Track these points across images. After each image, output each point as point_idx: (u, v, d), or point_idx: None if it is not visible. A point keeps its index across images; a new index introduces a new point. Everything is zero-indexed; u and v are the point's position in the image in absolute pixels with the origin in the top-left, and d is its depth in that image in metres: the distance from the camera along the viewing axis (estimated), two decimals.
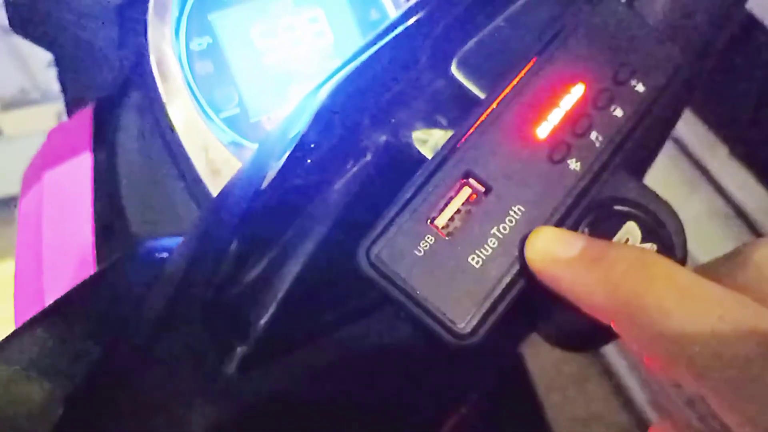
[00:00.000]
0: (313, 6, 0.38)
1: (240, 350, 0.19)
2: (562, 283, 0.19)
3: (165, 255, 0.23)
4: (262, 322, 0.19)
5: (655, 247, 0.22)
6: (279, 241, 0.21)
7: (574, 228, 0.21)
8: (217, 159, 0.35)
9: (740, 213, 0.82)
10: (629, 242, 0.22)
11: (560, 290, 0.19)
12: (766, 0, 0.71)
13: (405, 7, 0.26)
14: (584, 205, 0.21)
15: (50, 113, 1.11)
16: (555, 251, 0.19)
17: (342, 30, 0.39)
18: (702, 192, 0.90)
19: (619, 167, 0.22)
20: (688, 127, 0.91)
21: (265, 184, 0.23)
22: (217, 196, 0.25)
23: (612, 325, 0.18)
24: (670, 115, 0.24)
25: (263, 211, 0.23)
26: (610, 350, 1.04)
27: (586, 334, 0.22)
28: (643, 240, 0.22)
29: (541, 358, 0.90)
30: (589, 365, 1.01)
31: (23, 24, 0.37)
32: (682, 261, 0.22)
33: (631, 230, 0.22)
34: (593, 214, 0.22)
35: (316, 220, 0.22)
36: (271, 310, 0.20)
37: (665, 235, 0.22)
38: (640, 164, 0.25)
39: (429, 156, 0.23)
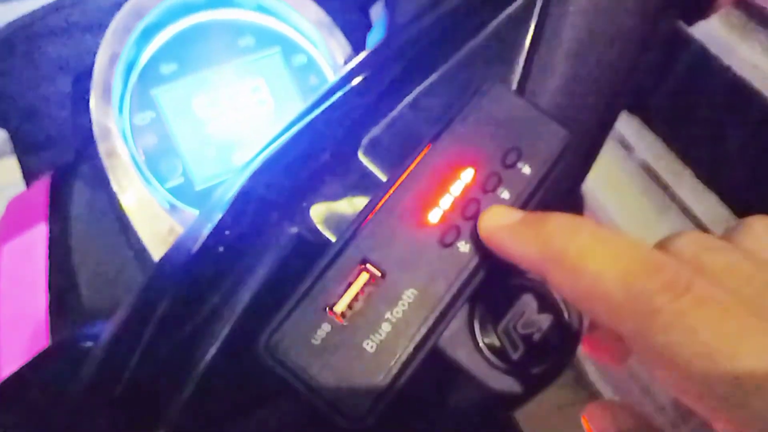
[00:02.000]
0: (254, 76, 0.40)
1: None
2: (505, 244, 0.22)
3: (90, 344, 0.24)
4: (173, 410, 0.21)
5: (551, 317, 0.23)
6: (193, 323, 0.23)
7: (473, 302, 0.23)
8: (162, 228, 0.36)
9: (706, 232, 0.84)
10: (526, 314, 0.24)
11: (503, 252, 0.22)
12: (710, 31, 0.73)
13: (318, 92, 0.27)
14: (476, 283, 0.22)
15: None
16: (500, 220, 0.22)
17: (283, 96, 0.40)
18: (671, 214, 0.91)
19: None
20: (656, 154, 0.93)
21: (187, 258, 0.24)
22: (153, 268, 0.27)
23: (545, 277, 0.20)
24: (562, 189, 0.26)
25: (188, 285, 0.24)
26: (595, 377, 1.05)
27: (488, 405, 0.24)
28: (540, 311, 0.24)
29: None
30: (574, 392, 1.01)
31: None
32: (578, 332, 0.24)
33: (527, 302, 0.24)
34: (491, 287, 0.23)
35: (228, 306, 0.23)
36: (184, 396, 0.21)
37: (560, 306, 0.23)
38: None
39: (334, 239, 0.24)
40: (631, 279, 0.18)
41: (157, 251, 0.36)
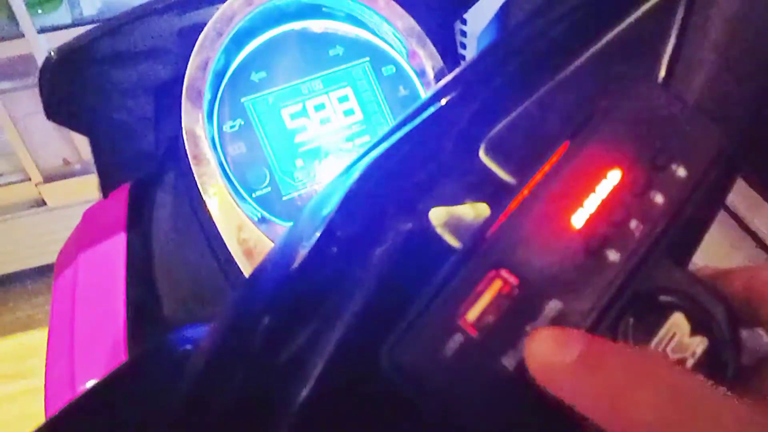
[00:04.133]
0: (342, 85, 0.39)
1: None
2: (563, 388, 0.18)
3: (189, 348, 0.22)
4: (283, 426, 0.19)
5: (706, 340, 0.21)
6: (301, 339, 0.21)
7: (616, 322, 0.20)
8: (249, 238, 0.35)
9: None
10: (676, 336, 0.21)
11: (562, 396, 0.18)
12: None
13: (432, 90, 0.25)
14: (626, 297, 0.20)
15: (92, 184, 1.14)
16: (553, 356, 0.18)
17: (371, 107, 0.39)
18: (745, 249, 0.87)
19: (663, 255, 0.21)
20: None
21: (295, 265, 0.22)
22: (246, 281, 0.25)
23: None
24: (716, 196, 0.23)
25: (292, 297, 0.22)
26: None
27: None
28: (692, 333, 0.21)
29: None
30: None
31: (61, 114, 0.38)
32: (736, 353, 0.21)
33: (678, 322, 0.21)
34: (636, 306, 0.20)
35: (340, 316, 0.21)
36: (292, 418, 0.19)
37: (715, 328, 0.20)
38: (687, 248, 0.24)
39: (456, 244, 0.22)
40: None
41: (243, 260, 0.35)
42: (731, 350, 0.21)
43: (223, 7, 0.36)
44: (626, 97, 0.22)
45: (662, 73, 0.22)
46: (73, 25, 1.21)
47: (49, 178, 1.22)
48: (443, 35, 0.44)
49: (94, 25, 0.39)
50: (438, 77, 0.39)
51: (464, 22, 0.51)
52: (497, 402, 0.18)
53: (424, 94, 0.34)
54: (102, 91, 0.41)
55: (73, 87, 0.39)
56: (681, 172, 0.21)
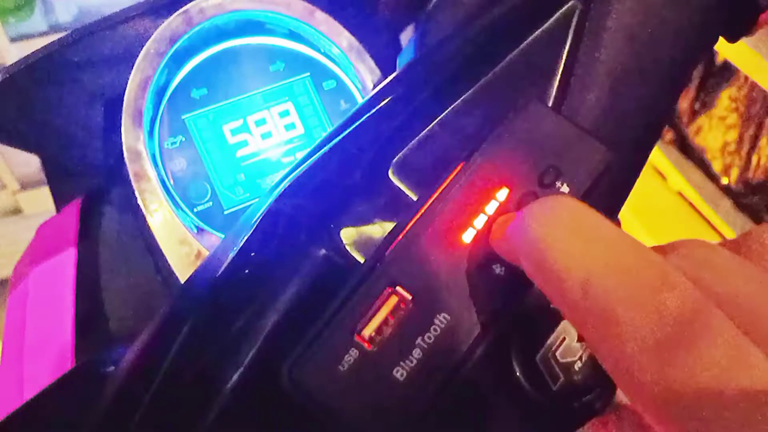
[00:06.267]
0: (283, 100, 0.40)
1: None
2: (505, 244, 0.20)
3: (111, 368, 0.23)
4: None
5: None
6: (217, 348, 0.22)
7: (507, 330, 0.22)
8: (190, 252, 0.36)
9: None
10: (566, 342, 0.22)
11: (507, 254, 0.21)
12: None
13: (345, 116, 0.27)
14: (512, 308, 0.21)
15: None
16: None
17: (312, 121, 0.40)
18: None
19: None
20: (693, 183, 0.91)
21: (219, 272, 0.23)
22: (175, 295, 0.26)
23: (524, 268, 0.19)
24: (606, 206, 0.24)
25: (213, 305, 0.23)
26: None
27: None
28: (580, 338, 0.22)
29: None
30: None
31: (9, 135, 0.39)
32: None
33: (567, 329, 0.22)
34: (525, 314, 0.22)
35: (254, 330, 0.22)
36: (206, 423, 0.20)
37: None
38: None
39: (361, 260, 0.23)
40: (614, 277, 0.16)
41: (184, 275, 0.35)
42: None
43: (162, 27, 0.37)
44: (517, 119, 0.23)
45: (553, 95, 0.24)
46: (49, 32, 1.22)
47: (25, 186, 1.22)
48: (389, 46, 0.45)
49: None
50: None
51: None
52: (387, 414, 0.19)
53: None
54: (55, 106, 0.42)
55: (22, 106, 0.40)
56: (564, 189, 0.22)
